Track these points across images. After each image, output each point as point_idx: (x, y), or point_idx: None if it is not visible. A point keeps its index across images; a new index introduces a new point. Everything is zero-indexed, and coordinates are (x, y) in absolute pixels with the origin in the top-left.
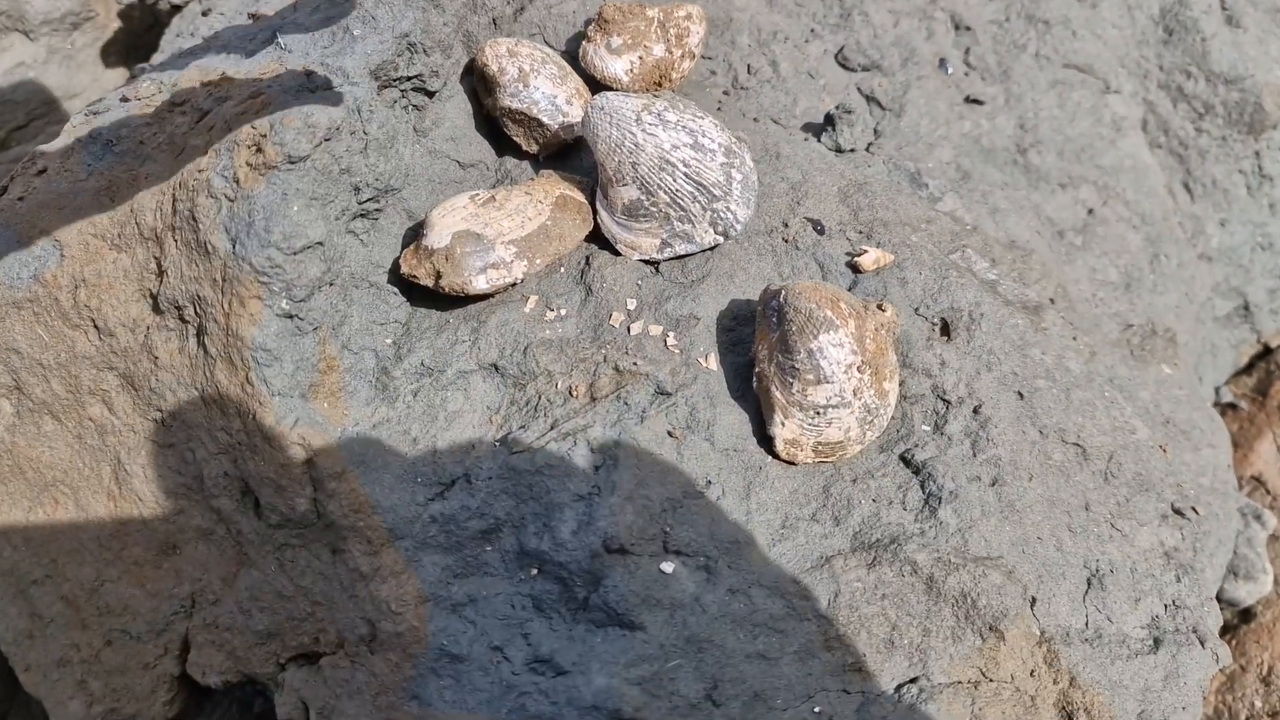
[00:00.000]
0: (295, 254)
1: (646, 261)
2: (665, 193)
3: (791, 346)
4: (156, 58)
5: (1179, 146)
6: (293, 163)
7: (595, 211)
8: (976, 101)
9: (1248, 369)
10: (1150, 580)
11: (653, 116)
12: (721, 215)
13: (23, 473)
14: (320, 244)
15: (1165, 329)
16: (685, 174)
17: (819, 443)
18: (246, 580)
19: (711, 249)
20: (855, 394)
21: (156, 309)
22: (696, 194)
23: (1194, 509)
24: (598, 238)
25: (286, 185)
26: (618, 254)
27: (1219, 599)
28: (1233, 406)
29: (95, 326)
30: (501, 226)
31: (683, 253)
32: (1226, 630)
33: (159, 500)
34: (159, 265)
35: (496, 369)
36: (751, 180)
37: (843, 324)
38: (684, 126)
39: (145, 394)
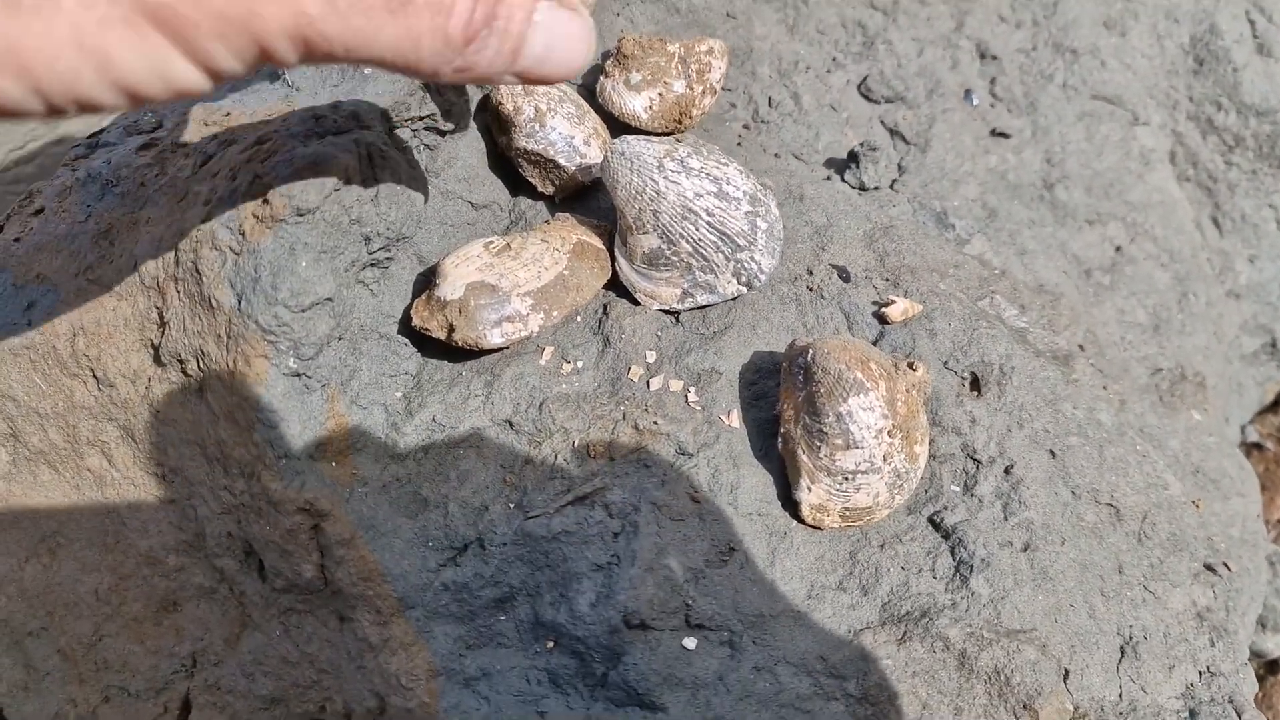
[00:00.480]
0: (303, 311)
1: (666, 311)
2: (687, 242)
3: (819, 409)
4: None
5: (1208, 180)
6: (301, 215)
7: (613, 258)
8: (1003, 135)
9: (1273, 407)
10: (1184, 645)
11: (675, 163)
12: (745, 265)
13: (18, 522)
14: (329, 299)
15: (1194, 373)
16: (709, 223)
17: (846, 508)
18: (250, 643)
19: (734, 299)
20: (885, 459)
21: (158, 361)
22: (720, 244)
23: (1225, 565)
24: (616, 285)
25: (294, 239)
26: (637, 303)
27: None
28: (1259, 447)
29: (94, 376)
30: (517, 277)
31: (704, 303)
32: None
33: (159, 556)
34: (161, 316)
35: (511, 425)
36: (777, 230)
37: (874, 387)
38: (708, 174)
39: (146, 448)
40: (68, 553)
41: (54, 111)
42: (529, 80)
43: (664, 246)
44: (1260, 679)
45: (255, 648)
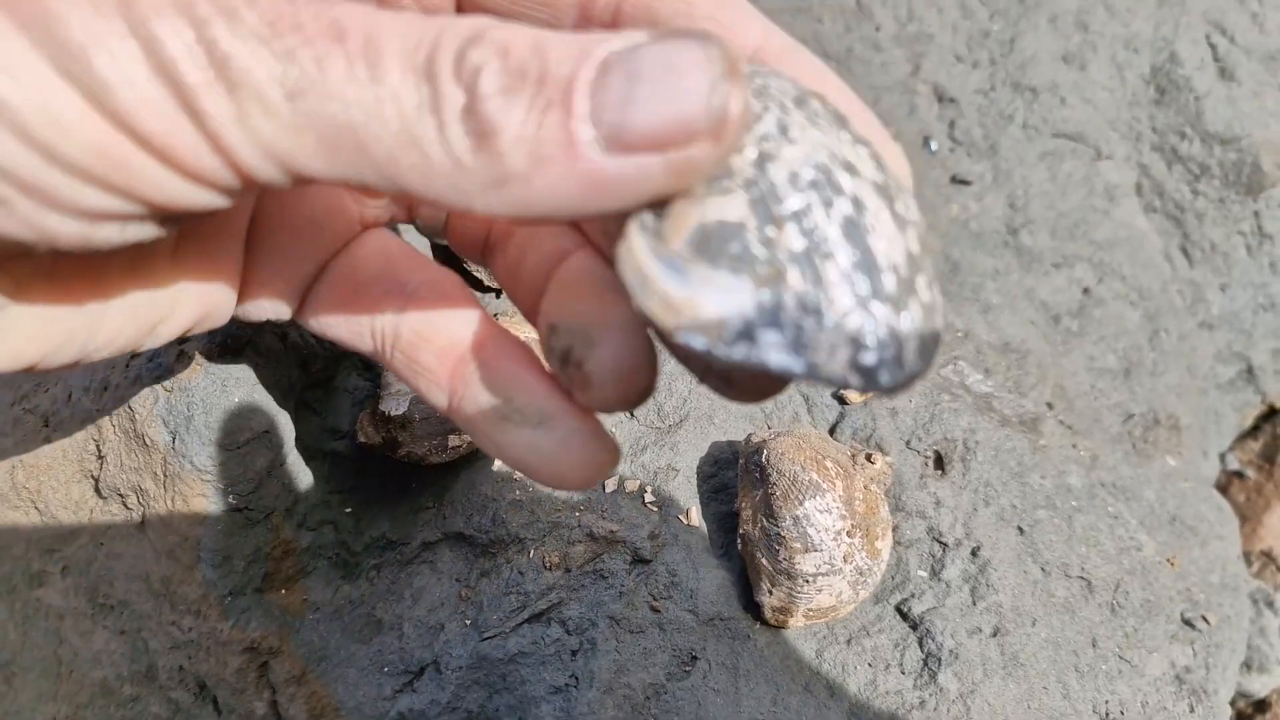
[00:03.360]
0: (239, 448)
1: (695, 358)
2: (800, 227)
3: (776, 512)
4: None
5: (1175, 210)
6: (232, 349)
7: (621, 238)
8: (963, 181)
9: (1253, 432)
10: (1163, 714)
11: (823, 105)
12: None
13: None
14: (267, 432)
15: (1168, 415)
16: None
17: (810, 609)
18: None
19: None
20: (846, 559)
21: (99, 493)
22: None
23: (1204, 618)
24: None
25: (226, 374)
26: (647, 328)
27: (1235, 695)
28: (1239, 475)
29: (35, 508)
30: None
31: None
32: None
33: (114, 686)
34: (98, 449)
35: (464, 538)
36: (938, 302)
37: (830, 487)
38: (870, 153)
39: (91, 579)
40: (22, 682)
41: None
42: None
43: (751, 222)
44: (1249, 718)
45: None
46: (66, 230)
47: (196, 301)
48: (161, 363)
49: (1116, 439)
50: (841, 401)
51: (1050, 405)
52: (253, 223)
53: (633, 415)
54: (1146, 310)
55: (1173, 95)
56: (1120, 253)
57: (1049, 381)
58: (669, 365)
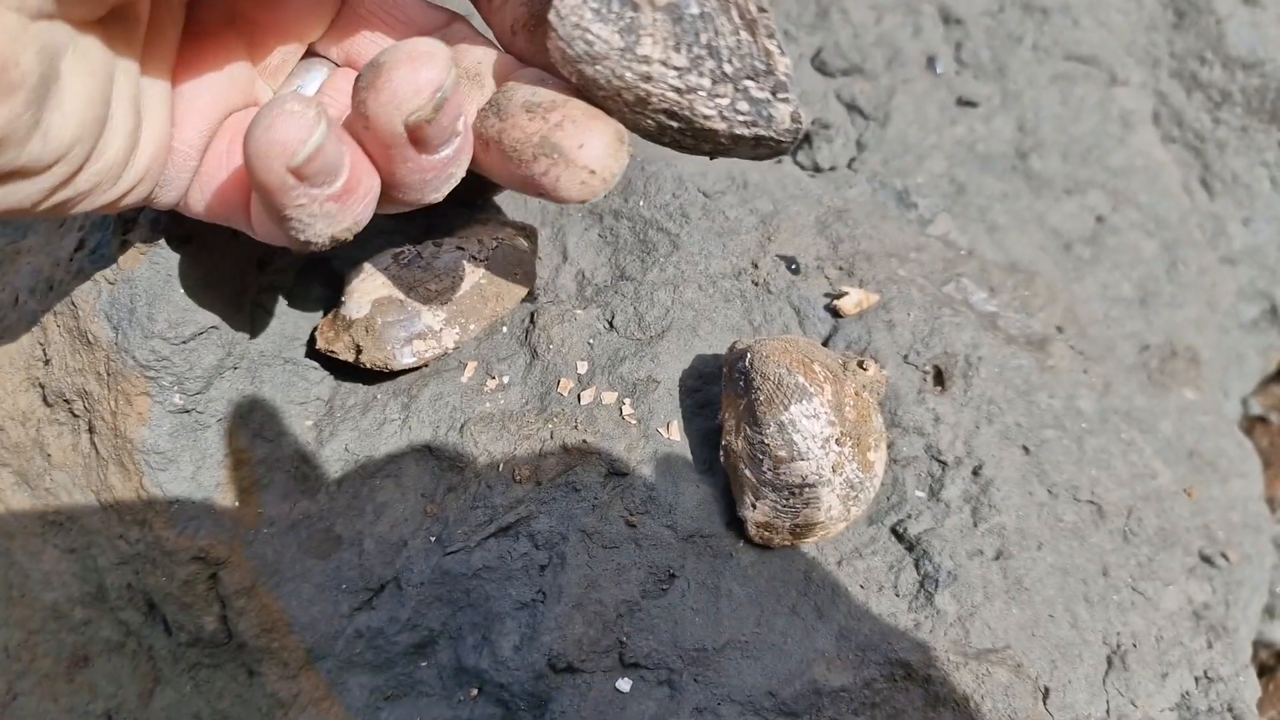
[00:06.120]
0: (185, 343)
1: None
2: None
3: (760, 419)
4: None
5: (1195, 140)
6: (178, 238)
7: None
8: (970, 103)
9: (1277, 376)
10: (1178, 649)
11: None
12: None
13: None
14: (215, 328)
15: (1186, 347)
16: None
17: (796, 525)
18: (162, 700)
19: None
20: (835, 470)
21: (46, 401)
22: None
23: (1224, 554)
24: (548, 289)
25: (171, 264)
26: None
27: (1256, 642)
28: (1262, 420)
29: None
30: (429, 289)
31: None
32: (1264, 672)
33: (65, 610)
34: (45, 353)
35: (430, 451)
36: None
37: (817, 391)
38: None
39: (41, 494)
40: None
41: None
42: None
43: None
44: (1270, 669)
45: (168, 705)
46: None
47: None
48: (104, 253)
49: (1131, 368)
50: (835, 314)
51: (1060, 329)
52: None
53: (612, 326)
54: (1164, 241)
55: (1192, 18)
56: (1136, 181)
57: (1059, 305)
58: (651, 275)
